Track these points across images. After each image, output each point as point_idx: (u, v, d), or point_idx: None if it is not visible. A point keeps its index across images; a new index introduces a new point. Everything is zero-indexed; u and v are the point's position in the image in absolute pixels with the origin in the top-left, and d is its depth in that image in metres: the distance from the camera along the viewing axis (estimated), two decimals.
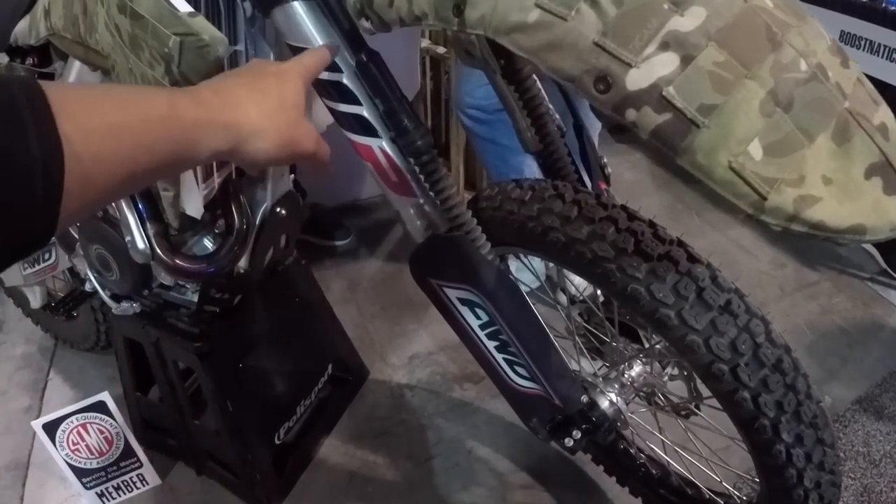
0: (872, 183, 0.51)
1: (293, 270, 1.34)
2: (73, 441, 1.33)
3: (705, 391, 0.98)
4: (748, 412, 0.76)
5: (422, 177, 0.81)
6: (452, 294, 0.87)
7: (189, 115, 0.48)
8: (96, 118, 0.40)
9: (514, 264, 1.47)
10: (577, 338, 1.13)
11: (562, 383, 0.96)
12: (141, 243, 0.98)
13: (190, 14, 0.69)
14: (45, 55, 1.09)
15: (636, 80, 0.49)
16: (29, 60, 1.10)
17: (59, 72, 1.08)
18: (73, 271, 1.42)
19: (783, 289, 1.90)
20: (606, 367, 1.09)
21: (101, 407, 1.30)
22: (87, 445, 1.34)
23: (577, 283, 1.10)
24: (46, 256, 1.39)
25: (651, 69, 0.49)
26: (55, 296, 1.66)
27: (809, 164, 0.49)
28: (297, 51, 0.78)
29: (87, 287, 1.29)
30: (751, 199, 0.49)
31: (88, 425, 1.32)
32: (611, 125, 0.58)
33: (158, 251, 0.98)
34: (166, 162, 0.46)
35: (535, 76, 0.89)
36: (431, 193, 0.82)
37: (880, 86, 1.83)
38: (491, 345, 0.93)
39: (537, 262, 1.57)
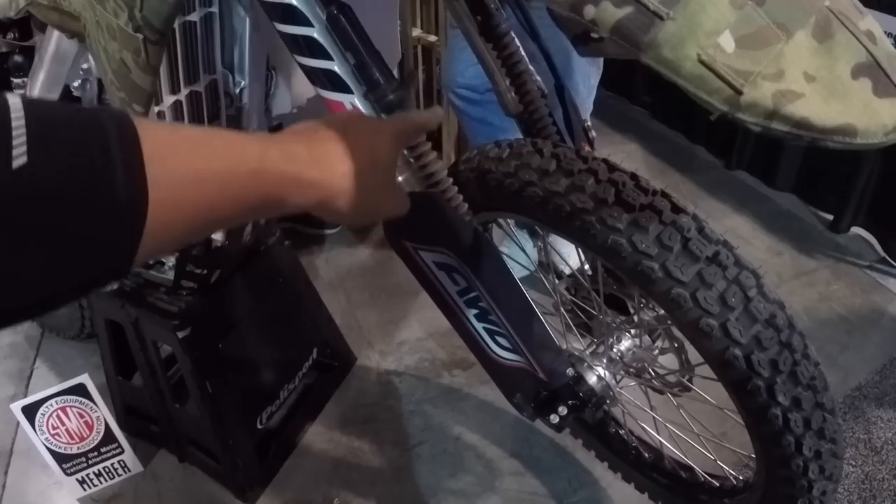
0: (861, 84, 0.48)
1: (276, 251, 1.32)
2: (52, 425, 1.30)
3: (697, 359, 0.95)
4: (740, 373, 0.72)
5: None
6: (429, 258, 0.84)
7: (278, 169, 0.46)
8: (185, 165, 0.39)
9: (504, 249, 1.45)
10: (563, 313, 1.10)
11: (545, 355, 0.93)
12: None
13: None
14: (25, 29, 1.09)
15: None
16: (10, 35, 1.10)
17: (38, 44, 1.07)
18: None
19: (780, 276, 1.87)
20: (594, 342, 1.05)
21: (80, 390, 1.27)
22: (67, 430, 1.31)
23: (564, 255, 1.07)
24: None
25: None
26: None
27: (788, 60, 0.47)
28: (269, 7, 0.76)
29: None
30: (725, 95, 0.47)
31: (68, 409, 1.29)
32: (573, 34, 0.55)
33: None
34: (248, 212, 0.46)
35: (513, 34, 0.86)
36: (405, 151, 0.79)
37: None
38: (471, 313, 0.90)
39: (529, 248, 1.55)
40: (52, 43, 1.01)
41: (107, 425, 1.33)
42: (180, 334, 1.14)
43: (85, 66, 1.00)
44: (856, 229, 2.02)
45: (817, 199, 2.13)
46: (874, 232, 2.00)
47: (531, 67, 0.91)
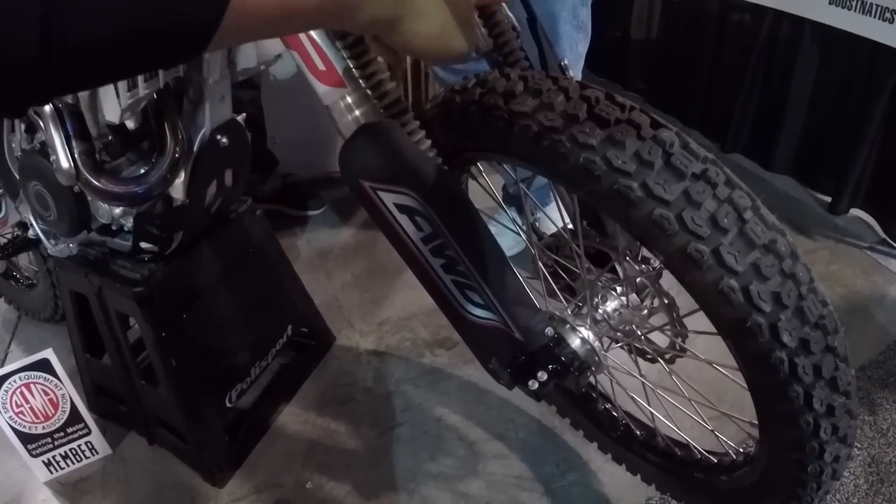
0: None
1: (246, 219, 1.26)
2: (16, 403, 1.25)
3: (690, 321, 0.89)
4: (738, 308, 0.63)
5: (350, 61, 0.73)
6: (388, 199, 0.77)
7: None
8: None
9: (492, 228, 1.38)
10: (546, 275, 1.03)
11: (521, 311, 0.86)
12: (65, 162, 0.93)
13: None
14: None
15: None
16: None
17: None
18: (21, 226, 1.35)
19: None
20: (578, 303, 0.99)
21: (44, 365, 1.22)
22: (31, 408, 1.26)
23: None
24: None
25: None
26: (14, 261, 1.62)
27: None
28: None
29: (31, 234, 1.23)
30: None
31: (32, 385, 1.24)
32: None
33: (83, 171, 0.91)
34: (324, 13, 0.46)
35: None
36: (361, 80, 0.73)
37: (875, 47, 1.78)
38: (437, 263, 0.83)
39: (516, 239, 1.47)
40: None
41: (72, 404, 1.27)
42: (142, 301, 1.08)
43: None
44: (855, 211, 1.99)
45: (815, 182, 2.09)
46: (874, 213, 1.97)
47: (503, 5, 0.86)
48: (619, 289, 0.98)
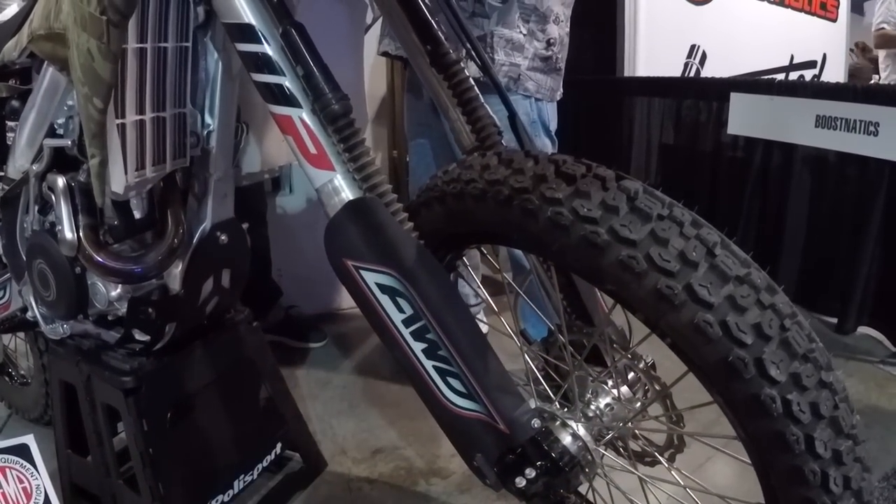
0: None
1: (242, 328, 1.31)
2: None
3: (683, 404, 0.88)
4: (718, 344, 0.62)
5: (340, 145, 0.82)
6: (371, 279, 0.82)
7: None
8: None
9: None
10: (539, 379, 1.04)
11: (505, 400, 0.86)
12: (69, 233, 1.02)
13: None
14: (26, 76, 1.20)
15: None
16: (12, 81, 1.21)
17: (35, 87, 1.17)
18: (22, 310, 1.41)
19: None
20: (569, 399, 0.99)
21: (23, 451, 1.23)
22: (3, 493, 1.24)
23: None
24: (0, 294, 1.41)
25: None
26: (11, 357, 1.69)
27: None
28: (232, 29, 0.84)
29: (29, 315, 1.29)
30: None
31: (8, 470, 1.23)
32: None
33: (85, 243, 1.00)
34: None
35: (462, 63, 0.92)
36: (349, 164, 0.81)
37: (862, 162, 1.89)
38: (418, 348, 0.85)
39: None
40: (46, 78, 1.10)
41: (46, 496, 1.24)
42: (129, 393, 1.11)
43: (70, 102, 1.07)
44: (863, 329, 2.04)
45: (820, 305, 2.14)
46: (881, 329, 2.01)
47: (486, 106, 0.97)
48: (609, 382, 0.99)
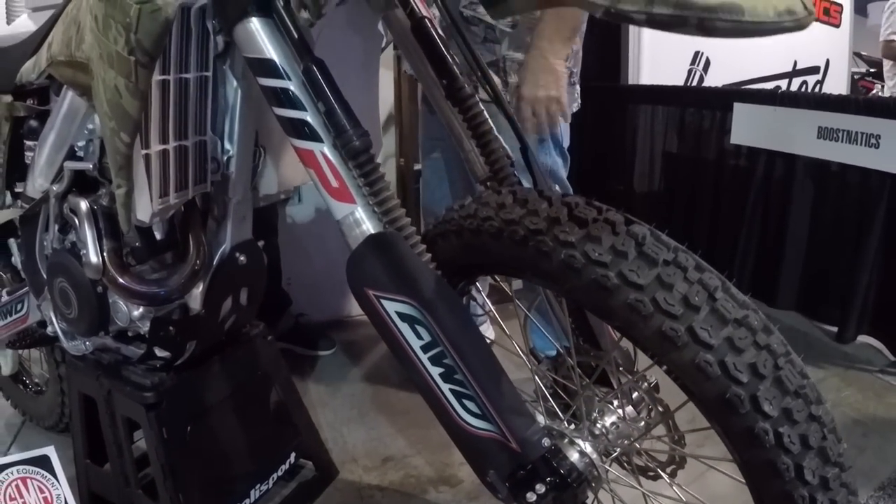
0: None
1: (258, 342, 1.35)
2: (10, 495, 1.27)
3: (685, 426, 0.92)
4: (717, 382, 0.68)
5: (360, 179, 0.85)
6: (391, 307, 0.87)
7: None
8: None
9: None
10: (547, 397, 1.09)
11: (517, 421, 0.91)
12: (94, 257, 1.06)
13: None
14: (44, 96, 1.23)
15: None
16: (30, 101, 1.24)
17: (53, 109, 1.20)
18: (41, 324, 1.45)
19: None
20: (576, 417, 1.04)
21: (44, 462, 1.28)
22: (24, 503, 1.27)
23: None
24: (18, 307, 1.45)
25: None
26: (26, 367, 1.72)
27: None
28: (253, 63, 0.88)
29: (49, 331, 1.33)
30: None
31: (29, 481, 1.28)
32: None
33: (109, 267, 1.04)
34: None
35: (476, 97, 0.96)
36: (369, 198, 0.85)
37: (864, 173, 1.93)
38: (436, 372, 0.90)
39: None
40: (65, 102, 1.13)
41: None
42: (150, 407, 1.16)
43: (90, 126, 1.10)
44: (862, 338, 2.08)
45: (820, 313, 2.19)
46: (881, 337, 2.05)
47: (499, 136, 1.00)
48: (615, 402, 1.03)
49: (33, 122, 1.24)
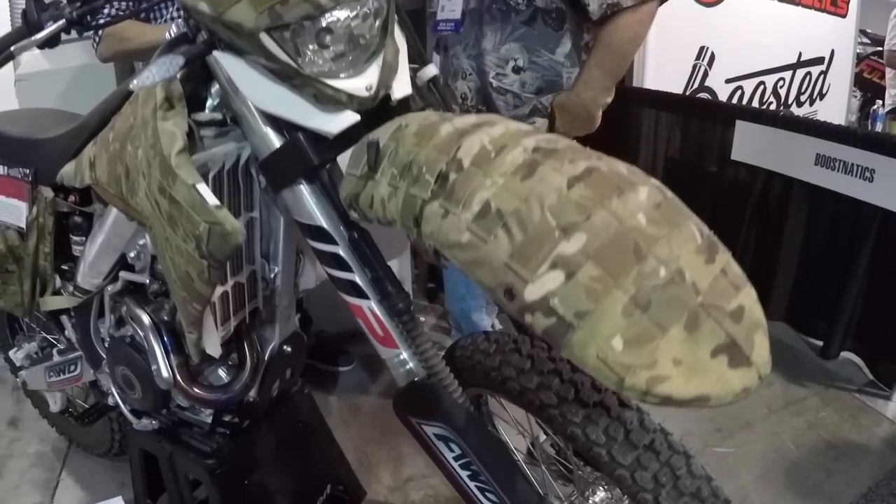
0: (718, 360, 0.68)
1: (297, 398, 1.55)
2: None
3: None
4: None
5: (403, 333, 1.02)
6: (430, 430, 1.07)
7: None
8: None
9: None
10: (550, 466, 1.30)
11: None
12: (165, 373, 1.21)
13: (217, 206, 0.91)
14: (86, 195, 1.29)
15: (532, 293, 0.71)
16: (72, 198, 1.31)
17: (97, 213, 1.29)
18: (94, 384, 1.63)
19: (770, 407, 2.08)
20: (574, 494, 1.25)
21: None
22: None
23: None
24: (72, 368, 1.60)
25: (542, 285, 0.70)
26: (74, 402, 1.88)
27: (662, 350, 0.67)
28: (303, 227, 1.02)
29: (110, 401, 1.50)
30: (613, 380, 0.68)
31: None
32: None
33: (180, 380, 1.20)
34: None
35: None
36: (411, 347, 1.03)
37: (855, 204, 2.06)
38: (464, 474, 1.11)
39: None
40: (111, 218, 1.21)
41: None
42: (214, 473, 1.36)
43: (141, 242, 1.18)
44: (845, 354, 2.24)
45: (808, 326, 2.35)
46: (862, 354, 2.20)
47: None
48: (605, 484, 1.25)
49: (78, 219, 1.32)
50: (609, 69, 1.69)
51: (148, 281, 1.23)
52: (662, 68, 2.86)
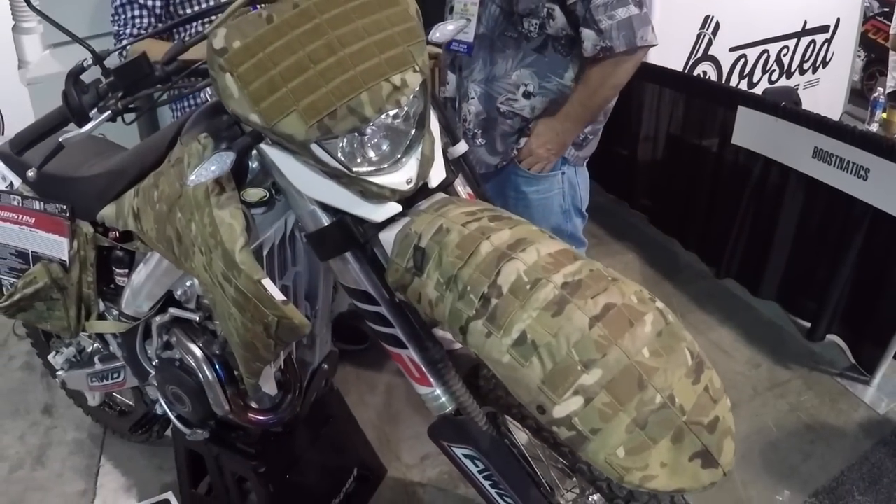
0: (694, 463, 0.89)
1: (328, 397, 1.74)
2: None
3: None
4: None
5: (437, 376, 1.19)
6: (458, 451, 1.26)
7: None
8: None
9: None
10: (558, 462, 1.50)
11: None
12: (222, 401, 1.37)
13: (283, 302, 1.03)
14: (127, 233, 1.37)
15: (559, 412, 0.89)
16: (112, 234, 1.40)
17: (140, 250, 1.39)
18: (137, 389, 1.80)
19: (756, 389, 2.26)
20: (577, 492, 1.46)
21: None
22: None
23: None
24: (115, 376, 1.75)
25: (567, 406, 0.89)
26: (112, 396, 2.03)
27: (653, 457, 0.88)
28: (350, 291, 1.16)
29: (157, 410, 1.67)
30: (615, 476, 0.89)
31: None
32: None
33: (234, 407, 1.37)
34: None
35: None
36: (443, 386, 1.20)
37: (849, 201, 2.20)
38: (486, 483, 1.31)
39: None
40: (156, 260, 1.31)
41: None
42: (259, 472, 1.55)
43: (189, 283, 1.28)
44: (831, 336, 2.37)
45: (797, 307, 2.49)
46: (846, 337, 2.34)
47: None
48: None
49: (119, 253, 1.41)
50: (589, 108, 1.83)
51: (198, 318, 1.36)
52: (668, 37, 2.89)
